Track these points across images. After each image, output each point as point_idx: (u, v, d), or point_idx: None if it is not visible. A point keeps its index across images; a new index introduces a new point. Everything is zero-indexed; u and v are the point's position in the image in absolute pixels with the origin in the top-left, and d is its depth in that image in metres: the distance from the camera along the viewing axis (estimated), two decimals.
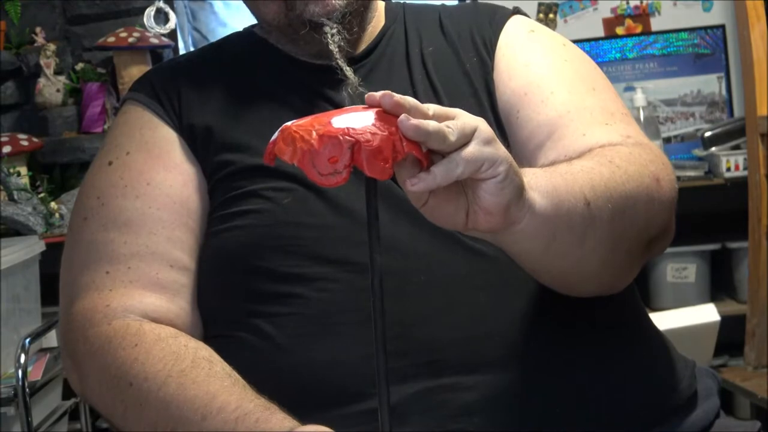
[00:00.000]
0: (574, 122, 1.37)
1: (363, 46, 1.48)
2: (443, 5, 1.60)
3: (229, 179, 1.37)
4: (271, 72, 1.46)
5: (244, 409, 1.14)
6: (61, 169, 3.59)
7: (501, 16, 1.52)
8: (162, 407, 1.20)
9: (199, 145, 1.40)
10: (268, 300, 1.29)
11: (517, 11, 1.55)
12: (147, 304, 1.31)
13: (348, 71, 1.39)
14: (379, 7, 1.53)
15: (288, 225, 1.31)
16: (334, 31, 1.39)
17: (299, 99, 1.42)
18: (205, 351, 1.27)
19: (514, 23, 1.52)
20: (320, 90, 1.42)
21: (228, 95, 1.44)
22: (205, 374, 1.21)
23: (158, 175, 1.38)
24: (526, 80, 1.43)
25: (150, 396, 1.22)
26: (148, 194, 1.37)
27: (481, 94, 1.43)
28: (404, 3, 1.58)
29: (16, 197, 3.23)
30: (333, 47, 1.38)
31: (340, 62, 1.39)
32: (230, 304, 1.33)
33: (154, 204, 1.36)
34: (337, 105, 1.39)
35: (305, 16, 1.39)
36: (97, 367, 1.29)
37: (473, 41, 1.48)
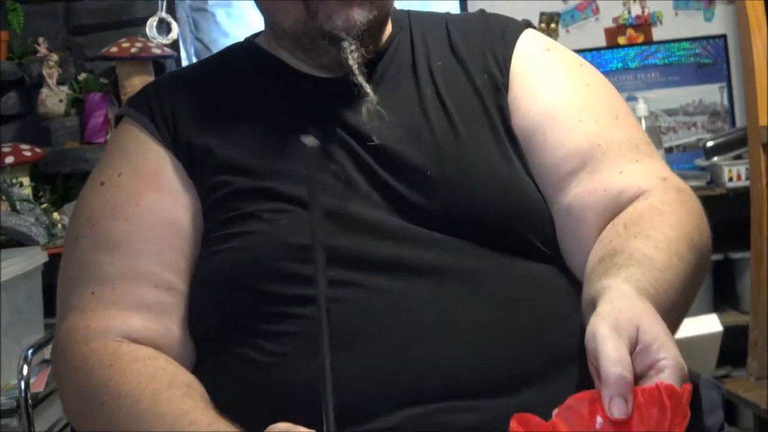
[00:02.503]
0: (607, 156, 1.38)
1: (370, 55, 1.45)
2: (449, 14, 1.58)
3: (226, 200, 1.35)
4: (274, 87, 1.44)
5: (217, 426, 1.15)
6: (64, 180, 3.59)
7: (513, 30, 1.50)
8: (131, 422, 1.20)
9: (197, 164, 1.39)
10: (269, 319, 1.28)
11: (528, 24, 1.54)
12: (129, 325, 1.31)
13: (367, 88, 1.37)
14: None
15: (285, 246, 1.30)
16: (353, 47, 1.36)
17: (303, 115, 1.40)
18: (185, 377, 1.27)
19: (528, 39, 1.50)
20: (327, 105, 1.40)
21: (228, 112, 1.42)
22: (181, 395, 1.21)
23: (148, 197, 1.38)
24: (552, 103, 1.42)
25: (121, 412, 1.22)
26: (137, 216, 1.36)
27: (493, 113, 1.42)
28: (409, 10, 1.56)
29: (18, 208, 3.23)
30: (352, 63, 1.36)
31: (359, 79, 1.37)
32: (229, 322, 1.31)
33: (142, 225, 1.36)
34: (344, 122, 1.38)
35: (326, 27, 1.36)
36: (75, 387, 1.30)
37: (484, 57, 1.47)
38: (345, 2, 1.36)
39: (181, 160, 1.40)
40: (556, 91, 1.44)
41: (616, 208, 1.34)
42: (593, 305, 1.15)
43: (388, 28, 1.49)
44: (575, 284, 1.34)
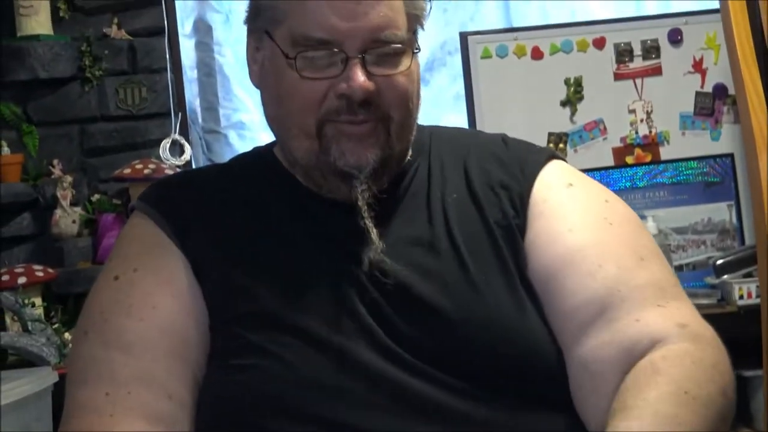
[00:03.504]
0: (626, 303, 1.35)
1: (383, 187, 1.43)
2: (471, 137, 1.57)
3: (229, 325, 1.34)
4: (287, 207, 1.43)
5: None
6: (76, 300, 3.59)
7: (534, 164, 1.48)
8: None
9: (204, 275, 1.37)
10: None
11: (552, 155, 1.51)
12: None
13: (373, 234, 1.35)
14: None
15: (291, 382, 1.29)
16: (364, 186, 1.35)
17: (314, 242, 1.39)
18: None
19: (549, 173, 1.47)
20: (339, 233, 1.39)
21: (238, 228, 1.41)
22: None
23: (165, 301, 1.35)
24: (570, 247, 1.39)
25: None
26: (153, 318, 1.34)
27: (506, 256, 1.40)
28: (432, 129, 1.54)
29: (30, 328, 3.24)
30: (362, 203, 1.35)
31: (367, 222, 1.35)
32: None
33: (158, 330, 1.34)
34: (354, 253, 1.36)
35: (338, 164, 1.36)
36: None
37: (500, 194, 1.44)
38: (360, 143, 1.36)
39: (191, 267, 1.38)
40: (575, 233, 1.40)
41: (630, 361, 1.31)
42: None
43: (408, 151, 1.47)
44: None
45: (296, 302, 1.33)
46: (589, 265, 1.37)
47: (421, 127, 1.50)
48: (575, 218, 1.42)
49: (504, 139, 1.53)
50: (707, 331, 1.36)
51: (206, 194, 1.46)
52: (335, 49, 1.34)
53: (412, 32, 1.40)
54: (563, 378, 1.35)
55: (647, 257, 1.41)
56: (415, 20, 1.41)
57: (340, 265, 1.36)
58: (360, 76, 1.34)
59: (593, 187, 1.50)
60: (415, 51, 1.40)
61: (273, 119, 1.45)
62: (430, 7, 1.43)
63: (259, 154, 1.55)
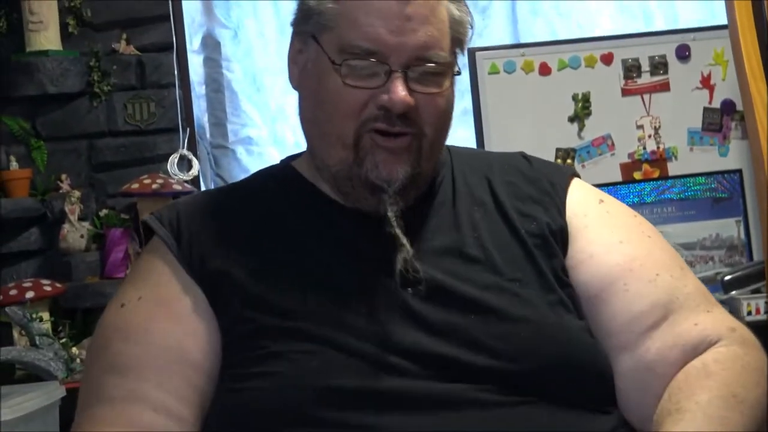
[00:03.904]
0: (684, 309, 1.44)
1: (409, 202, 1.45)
2: (489, 154, 1.60)
3: (252, 337, 1.35)
4: (312, 220, 1.44)
5: None
6: (83, 315, 3.60)
7: (561, 180, 1.53)
8: None
9: (221, 295, 1.38)
10: None
11: (574, 173, 1.56)
12: None
13: (403, 240, 1.38)
14: None
15: (312, 389, 1.29)
16: (392, 200, 1.38)
17: (341, 254, 1.40)
18: None
19: (577, 190, 1.53)
20: (361, 242, 1.41)
21: (260, 245, 1.42)
22: None
23: (158, 325, 1.38)
24: (627, 256, 1.47)
25: None
26: (146, 341, 1.37)
27: (541, 261, 1.43)
28: (448, 147, 1.56)
29: (37, 342, 3.24)
30: (391, 215, 1.38)
31: (397, 231, 1.38)
32: None
33: (150, 352, 1.37)
34: (378, 260, 1.38)
35: (370, 176, 1.38)
36: None
37: (528, 206, 1.48)
38: (393, 156, 1.38)
39: (203, 289, 1.39)
40: (626, 245, 1.48)
41: (689, 362, 1.40)
42: None
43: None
44: None
45: (322, 313, 1.35)
46: (648, 273, 1.45)
47: None
48: (621, 231, 1.50)
49: (524, 155, 1.58)
50: (752, 335, 1.45)
51: (225, 210, 1.48)
52: (380, 61, 1.37)
53: (454, 55, 1.44)
54: (604, 376, 1.40)
55: (684, 267, 1.51)
56: (457, 43, 1.45)
57: (368, 273, 1.39)
58: (401, 90, 1.37)
59: (620, 203, 1.58)
60: (456, 73, 1.44)
61: (309, 122, 1.47)
62: (472, 33, 1.48)
63: (277, 169, 1.57)
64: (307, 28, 1.44)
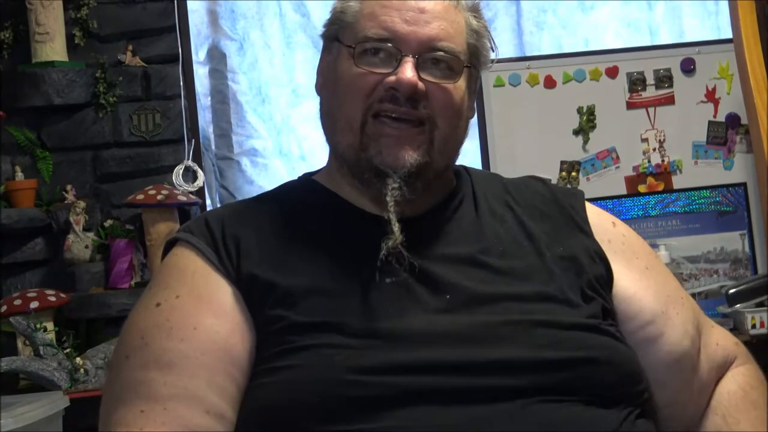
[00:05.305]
0: (705, 328, 1.58)
1: (429, 202, 1.49)
2: (504, 178, 1.62)
3: (280, 334, 1.35)
4: (335, 224, 1.47)
5: None
6: (88, 325, 3.60)
7: (578, 202, 1.58)
8: None
9: (256, 297, 1.39)
10: None
11: (582, 195, 1.61)
12: None
13: (395, 227, 1.40)
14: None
15: (337, 382, 1.30)
16: (396, 185, 1.40)
17: (352, 253, 1.43)
18: None
19: (591, 212, 1.58)
20: (379, 245, 1.41)
21: (288, 248, 1.44)
22: None
23: (206, 321, 1.37)
24: (659, 283, 1.56)
25: None
26: (194, 338, 1.35)
27: (563, 281, 1.45)
28: (464, 166, 1.60)
29: (41, 352, 3.24)
30: (389, 198, 1.40)
31: (391, 215, 1.40)
32: None
33: (199, 348, 1.35)
34: (406, 266, 1.40)
35: (374, 161, 1.42)
36: None
37: (549, 225, 1.51)
38: (399, 143, 1.42)
39: (240, 290, 1.40)
40: (651, 270, 1.57)
41: (718, 378, 1.57)
42: None
43: (451, 182, 1.54)
44: None
45: (349, 309, 1.37)
46: (677, 297, 1.56)
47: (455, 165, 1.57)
48: (642, 256, 1.58)
49: (536, 178, 1.63)
50: (740, 343, 1.62)
51: (254, 220, 1.49)
52: (392, 48, 1.43)
53: (470, 62, 1.49)
54: (634, 378, 1.43)
55: (683, 288, 1.62)
56: (474, 51, 1.50)
57: (387, 273, 1.40)
58: (409, 71, 1.42)
59: (624, 224, 1.63)
60: (474, 85, 1.51)
61: (326, 115, 1.51)
62: (495, 57, 1.55)
63: (297, 182, 1.60)
64: (331, 32, 1.51)
